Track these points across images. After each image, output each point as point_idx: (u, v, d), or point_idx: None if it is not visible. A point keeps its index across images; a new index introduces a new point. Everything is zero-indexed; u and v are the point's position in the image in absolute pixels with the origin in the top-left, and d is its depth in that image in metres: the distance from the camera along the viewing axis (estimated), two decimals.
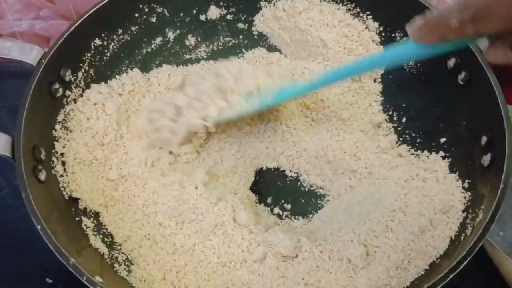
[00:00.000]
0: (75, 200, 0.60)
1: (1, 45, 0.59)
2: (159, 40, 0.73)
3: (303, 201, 0.66)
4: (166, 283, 0.56)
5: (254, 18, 0.75)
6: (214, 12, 0.74)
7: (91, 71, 0.67)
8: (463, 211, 0.56)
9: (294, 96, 0.64)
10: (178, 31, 0.74)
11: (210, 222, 0.59)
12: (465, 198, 0.57)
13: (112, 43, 0.69)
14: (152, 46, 0.73)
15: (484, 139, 0.58)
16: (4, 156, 0.53)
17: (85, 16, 0.63)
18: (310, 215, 0.65)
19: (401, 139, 0.68)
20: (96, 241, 0.58)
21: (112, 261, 0.58)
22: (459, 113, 0.63)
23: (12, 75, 0.83)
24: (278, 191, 0.67)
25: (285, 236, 0.58)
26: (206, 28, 0.75)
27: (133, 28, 0.70)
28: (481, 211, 0.53)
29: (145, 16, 0.71)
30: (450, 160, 0.62)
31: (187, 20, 0.74)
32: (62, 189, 0.59)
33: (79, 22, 0.63)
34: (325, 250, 0.57)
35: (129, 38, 0.70)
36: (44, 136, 0.59)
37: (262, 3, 0.74)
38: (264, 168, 0.69)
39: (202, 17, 0.74)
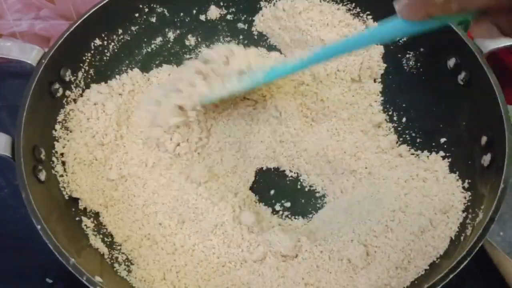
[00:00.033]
0: (75, 200, 0.60)
1: (1, 45, 0.59)
2: (159, 40, 0.73)
3: (303, 201, 0.66)
4: (166, 283, 0.56)
5: (254, 18, 0.75)
6: (214, 12, 0.74)
7: (91, 71, 0.67)
8: (463, 211, 0.56)
9: (285, 74, 0.63)
10: (178, 31, 0.74)
11: (210, 222, 0.59)
12: (465, 198, 0.57)
13: (112, 43, 0.69)
14: (152, 46, 0.73)
15: (484, 139, 0.58)
16: (4, 156, 0.53)
17: (85, 16, 0.63)
18: (310, 215, 0.65)
19: (401, 139, 0.68)
20: (96, 241, 0.58)
21: (112, 261, 0.58)
22: (459, 113, 0.63)
23: (12, 75, 0.83)
24: (278, 191, 0.67)
25: (285, 236, 0.58)
26: (206, 28, 0.75)
27: (133, 28, 0.70)
28: (481, 211, 0.53)
29: (145, 16, 0.71)
30: (450, 160, 0.62)
31: (187, 20, 0.74)
32: (62, 189, 0.59)
33: (79, 22, 0.63)
34: (325, 250, 0.57)
35: (129, 38, 0.70)
36: (44, 136, 0.59)
37: (262, 3, 0.74)
38: (264, 168, 0.69)
39: (202, 17, 0.74)
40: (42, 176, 0.56)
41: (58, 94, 0.62)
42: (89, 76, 0.67)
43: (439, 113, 0.66)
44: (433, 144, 0.65)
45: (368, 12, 0.70)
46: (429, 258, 0.54)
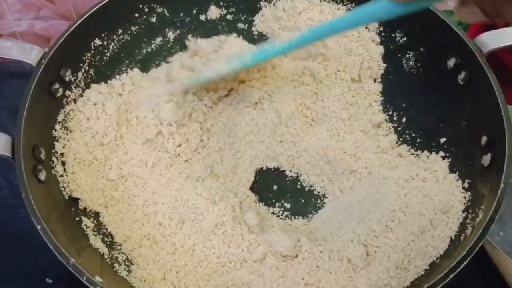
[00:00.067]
0: (75, 200, 0.60)
1: (1, 45, 0.59)
2: (159, 40, 0.73)
3: (303, 201, 0.66)
4: (166, 283, 0.56)
5: (254, 18, 0.75)
6: (214, 12, 0.74)
7: (91, 71, 0.67)
8: (463, 211, 0.56)
9: (273, 56, 0.63)
10: (178, 31, 0.74)
11: (210, 222, 0.59)
12: (465, 198, 0.57)
13: (112, 43, 0.69)
14: (152, 46, 0.73)
15: (484, 139, 0.58)
16: (4, 156, 0.53)
17: (85, 16, 0.63)
18: (310, 215, 0.65)
19: (401, 139, 0.68)
20: (96, 241, 0.58)
21: (112, 261, 0.58)
22: (459, 113, 0.63)
23: (12, 75, 0.82)
24: (278, 191, 0.67)
25: (285, 236, 0.58)
26: (206, 28, 0.75)
27: (133, 28, 0.70)
28: (481, 211, 0.53)
29: (145, 16, 0.71)
30: (450, 160, 0.62)
31: (187, 20, 0.74)
32: (62, 189, 0.59)
33: (79, 22, 0.63)
34: (325, 250, 0.57)
35: (129, 38, 0.70)
36: (44, 136, 0.59)
37: (262, 3, 0.74)
38: (264, 168, 0.69)
39: (202, 17, 0.74)
40: (42, 176, 0.56)
41: (58, 94, 0.62)
42: (89, 76, 0.67)
43: (439, 113, 0.66)
44: (433, 144, 0.65)
45: (372, 23, 0.70)
46: (429, 258, 0.54)
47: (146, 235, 0.60)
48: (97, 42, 0.67)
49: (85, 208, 0.60)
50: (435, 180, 0.60)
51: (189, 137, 0.66)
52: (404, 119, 0.69)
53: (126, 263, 0.58)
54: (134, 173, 0.63)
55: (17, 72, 0.81)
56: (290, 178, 0.68)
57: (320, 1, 0.71)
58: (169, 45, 0.74)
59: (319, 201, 0.66)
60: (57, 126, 0.61)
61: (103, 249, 0.58)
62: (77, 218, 0.59)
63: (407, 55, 0.70)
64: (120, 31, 0.69)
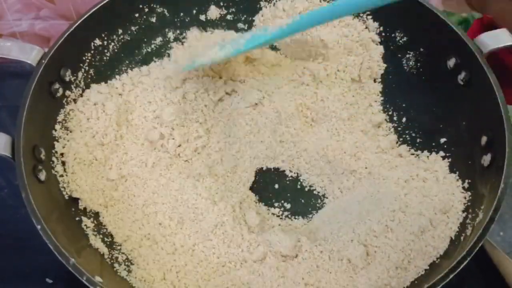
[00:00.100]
0: (75, 200, 0.60)
1: (1, 45, 0.59)
2: (159, 40, 0.73)
3: (303, 201, 0.66)
4: (166, 283, 0.56)
5: (254, 18, 0.75)
6: (214, 12, 0.74)
7: (91, 71, 0.67)
8: (463, 211, 0.56)
9: (266, 42, 0.63)
10: (178, 31, 0.74)
11: (210, 222, 0.60)
12: (465, 198, 0.57)
13: (112, 43, 0.69)
14: (152, 46, 0.73)
15: (484, 139, 0.58)
16: (4, 156, 0.53)
17: (85, 16, 0.63)
18: (310, 215, 0.65)
19: (401, 139, 0.68)
20: (96, 241, 0.58)
21: (112, 261, 0.58)
22: (459, 113, 0.63)
23: (12, 75, 0.82)
24: (278, 191, 0.67)
25: (285, 236, 0.58)
26: (206, 28, 0.75)
27: (133, 28, 0.70)
28: (481, 211, 0.53)
29: (145, 16, 0.71)
30: (450, 160, 0.62)
31: (187, 20, 0.74)
32: (62, 189, 0.59)
33: (79, 22, 0.63)
34: (325, 250, 0.57)
35: (129, 38, 0.70)
36: (44, 136, 0.59)
37: (262, 3, 0.74)
38: (264, 168, 0.69)
39: (202, 17, 0.74)
40: (42, 176, 0.55)
41: (58, 94, 0.62)
42: (89, 76, 0.67)
43: (439, 113, 0.66)
44: (433, 144, 0.65)
45: (368, 12, 0.70)
46: (429, 258, 0.54)
47: (146, 235, 0.60)
48: (97, 42, 0.67)
49: (85, 208, 0.60)
50: (435, 180, 0.60)
51: (189, 137, 0.66)
52: (404, 119, 0.69)
53: (126, 263, 0.58)
54: (134, 173, 0.63)
55: (17, 72, 0.81)
56: (290, 178, 0.68)
57: (320, 1, 0.71)
58: (169, 45, 0.74)
59: (319, 201, 0.66)
60: (57, 126, 0.61)
61: (103, 249, 0.58)
62: (77, 218, 0.59)
63: (407, 55, 0.70)
64: (120, 31, 0.69)
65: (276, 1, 0.73)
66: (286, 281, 0.56)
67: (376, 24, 0.70)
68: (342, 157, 0.65)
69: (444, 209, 0.57)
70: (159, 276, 0.57)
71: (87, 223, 0.59)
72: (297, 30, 0.60)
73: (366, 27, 0.71)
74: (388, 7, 0.65)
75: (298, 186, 0.67)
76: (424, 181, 0.60)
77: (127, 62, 0.71)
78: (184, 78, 0.68)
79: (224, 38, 0.66)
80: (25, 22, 0.83)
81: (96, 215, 0.61)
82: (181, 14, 0.73)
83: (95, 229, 0.60)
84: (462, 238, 0.54)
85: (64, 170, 0.60)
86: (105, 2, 0.64)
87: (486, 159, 0.56)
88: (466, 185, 0.58)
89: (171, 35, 0.74)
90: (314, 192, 0.67)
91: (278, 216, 0.65)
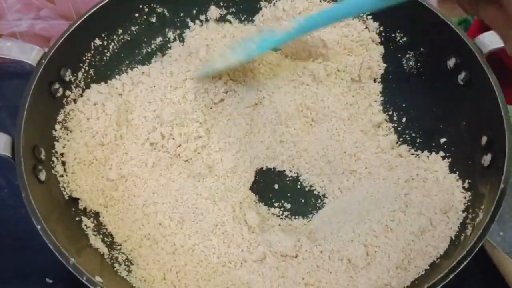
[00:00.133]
0: (75, 200, 0.60)
1: (1, 45, 0.59)
2: (159, 40, 0.73)
3: (303, 201, 0.66)
4: (166, 283, 0.56)
5: (254, 18, 0.75)
6: (214, 12, 0.74)
7: (91, 71, 0.67)
8: (463, 211, 0.56)
9: (275, 45, 0.66)
10: (178, 31, 0.74)
11: (210, 222, 0.60)
12: (465, 198, 0.57)
13: (112, 43, 0.69)
14: (152, 46, 0.73)
15: (484, 139, 0.58)
16: (4, 156, 0.53)
17: (85, 16, 0.63)
18: (310, 215, 0.65)
19: (401, 139, 0.68)
20: (96, 241, 0.58)
21: (112, 261, 0.58)
22: (459, 113, 0.63)
23: (12, 75, 0.82)
24: (278, 191, 0.67)
25: (285, 236, 0.58)
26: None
27: (133, 28, 0.70)
28: (481, 211, 0.53)
29: (145, 16, 0.71)
30: (450, 160, 0.62)
31: (187, 20, 0.74)
32: (62, 189, 0.59)
33: (79, 22, 0.63)
34: (325, 250, 0.57)
35: (129, 38, 0.70)
36: (44, 136, 0.59)
37: (262, 3, 0.74)
38: (264, 168, 0.69)
39: (202, 17, 0.74)
40: (42, 176, 0.55)
41: (58, 94, 0.62)
42: (89, 76, 0.67)
43: (439, 113, 0.66)
44: (433, 144, 0.65)
45: (368, 12, 0.70)
46: (429, 258, 0.54)
47: (146, 235, 0.60)
48: (97, 42, 0.67)
49: (85, 208, 0.60)
50: (435, 180, 0.60)
51: (189, 137, 0.66)
52: (404, 119, 0.69)
53: (126, 263, 0.58)
54: (134, 173, 0.63)
55: (17, 72, 0.81)
56: (290, 178, 0.68)
57: (320, 1, 0.71)
58: (169, 45, 0.74)
59: (319, 201, 0.66)
60: (57, 126, 0.61)
61: (103, 249, 0.58)
62: (77, 218, 0.59)
63: (407, 55, 0.70)
64: (120, 31, 0.69)
65: (276, 1, 0.73)
66: (286, 281, 0.56)
67: (376, 24, 0.70)
68: (342, 157, 0.65)
69: (444, 209, 0.57)
70: (159, 276, 0.57)
71: (87, 223, 0.59)
72: (304, 32, 0.62)
73: (366, 27, 0.71)
74: (387, 7, 0.66)
75: (298, 186, 0.67)
76: (424, 181, 0.60)
77: (127, 62, 0.71)
78: (185, 78, 0.68)
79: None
80: (25, 22, 0.83)
81: (96, 215, 0.61)
82: (181, 14, 0.73)
83: (95, 229, 0.60)
84: (462, 238, 0.54)
85: (64, 170, 0.60)
86: (105, 2, 0.64)
87: (486, 159, 0.56)
88: (466, 185, 0.58)
89: (171, 35, 0.74)
90: (314, 192, 0.67)
91: (278, 216, 0.65)
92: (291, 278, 0.56)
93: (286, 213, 0.65)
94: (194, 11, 0.74)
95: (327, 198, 0.66)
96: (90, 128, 0.63)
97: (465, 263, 0.47)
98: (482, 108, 0.59)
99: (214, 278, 0.57)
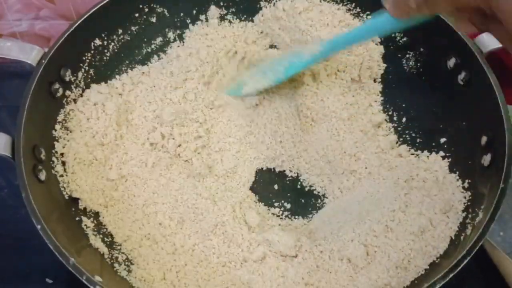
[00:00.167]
0: (75, 200, 0.60)
1: (1, 45, 0.59)
2: (159, 40, 0.73)
3: (303, 201, 0.66)
4: (166, 283, 0.56)
5: (254, 18, 0.75)
6: (214, 12, 0.74)
7: (91, 71, 0.67)
8: (463, 211, 0.56)
9: (302, 68, 0.67)
10: (178, 31, 0.74)
11: (210, 222, 0.60)
12: (465, 198, 0.57)
13: (112, 43, 0.69)
14: (152, 46, 0.73)
15: (484, 139, 0.58)
16: (4, 156, 0.53)
17: (85, 16, 0.63)
18: (310, 215, 0.65)
19: (401, 139, 0.68)
20: (96, 241, 0.58)
21: (112, 261, 0.58)
22: (459, 113, 0.63)
23: (12, 75, 0.82)
24: (278, 191, 0.67)
25: (285, 236, 0.58)
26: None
27: (133, 28, 0.70)
28: (481, 210, 0.53)
29: (145, 16, 0.71)
30: (450, 160, 0.62)
31: (187, 20, 0.74)
32: (62, 189, 0.59)
33: (79, 22, 0.63)
34: (325, 250, 0.57)
35: (129, 38, 0.70)
36: (44, 136, 0.59)
37: (262, 3, 0.74)
38: (264, 168, 0.69)
39: (202, 17, 0.74)
40: (42, 176, 0.55)
41: (58, 94, 0.62)
42: (89, 76, 0.67)
43: (439, 113, 0.66)
44: (433, 144, 0.65)
45: (368, 12, 0.70)
46: (429, 258, 0.54)
47: (146, 235, 0.60)
48: (97, 42, 0.67)
49: (85, 208, 0.60)
50: (435, 180, 0.60)
51: (189, 137, 0.66)
52: (404, 119, 0.69)
53: (126, 263, 0.58)
54: (134, 173, 0.63)
55: (17, 72, 0.81)
56: (290, 178, 0.68)
57: (320, 1, 0.71)
58: (169, 45, 0.74)
59: (319, 201, 0.66)
60: (57, 126, 0.61)
61: (103, 249, 0.58)
62: (77, 218, 0.59)
63: (407, 55, 0.70)
64: (120, 31, 0.69)
65: (276, 1, 0.73)
66: (286, 281, 0.56)
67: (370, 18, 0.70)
68: (342, 157, 0.65)
69: (444, 209, 0.57)
70: (159, 276, 0.57)
71: (87, 223, 0.59)
72: (329, 54, 0.65)
73: None
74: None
75: (298, 186, 0.67)
76: (424, 181, 0.60)
77: (127, 62, 0.71)
78: (185, 78, 0.68)
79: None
80: (25, 22, 0.83)
81: (96, 215, 0.61)
82: (181, 14, 0.73)
83: (95, 229, 0.60)
84: (462, 237, 0.54)
85: (64, 170, 0.60)
86: (105, 2, 0.64)
87: (486, 159, 0.56)
88: (466, 185, 0.58)
89: (171, 35, 0.74)
90: (314, 192, 0.67)
91: (278, 216, 0.65)
92: (291, 278, 0.56)
93: (286, 213, 0.65)
94: (194, 11, 0.74)
95: (327, 198, 0.66)
96: (90, 128, 0.63)
97: (464, 262, 0.47)
98: (482, 108, 0.59)
99: (214, 278, 0.57)
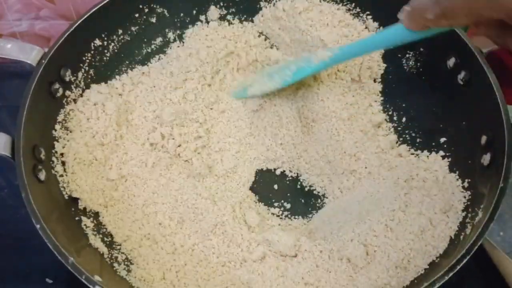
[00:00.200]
0: (75, 200, 0.60)
1: (1, 45, 0.59)
2: (159, 40, 0.73)
3: (303, 201, 0.66)
4: (165, 283, 0.56)
5: (254, 18, 0.75)
6: (214, 12, 0.74)
7: (91, 71, 0.67)
8: (463, 211, 0.56)
9: (310, 74, 0.66)
10: (178, 31, 0.74)
11: (210, 222, 0.60)
12: (465, 197, 0.57)
13: (112, 43, 0.69)
14: (152, 46, 0.73)
15: (484, 139, 0.58)
16: (4, 156, 0.53)
17: (85, 16, 0.63)
18: (310, 215, 0.65)
19: (401, 139, 0.68)
20: (95, 241, 0.58)
21: (111, 260, 0.58)
22: (459, 113, 0.63)
23: (12, 75, 0.83)
24: (278, 191, 0.67)
25: (285, 236, 0.58)
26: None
27: (133, 28, 0.70)
28: (481, 210, 0.53)
29: (145, 16, 0.71)
30: (450, 160, 0.62)
31: (187, 20, 0.74)
32: (62, 189, 0.59)
33: (79, 22, 0.63)
34: (325, 250, 0.57)
35: (129, 38, 0.70)
36: (44, 136, 0.59)
37: (262, 3, 0.74)
38: (264, 169, 0.69)
39: (202, 17, 0.74)
40: (42, 176, 0.55)
41: (58, 94, 0.62)
42: (89, 76, 0.67)
43: (439, 113, 0.66)
44: (433, 144, 0.65)
45: (368, 12, 0.70)
46: (429, 257, 0.54)
47: (146, 235, 0.60)
48: (97, 42, 0.67)
49: (85, 208, 0.60)
50: (435, 180, 0.60)
51: (189, 137, 0.66)
52: (404, 119, 0.69)
53: (126, 262, 0.58)
54: (134, 173, 0.63)
55: (17, 72, 0.81)
56: (290, 178, 0.68)
57: (320, 1, 0.71)
58: (169, 46, 0.74)
59: (319, 201, 0.66)
60: (57, 126, 0.61)
61: (103, 248, 0.58)
62: (77, 218, 0.59)
63: (407, 55, 0.70)
64: (120, 31, 0.69)
65: (276, 1, 0.73)
66: (286, 280, 0.56)
67: (376, 24, 0.70)
68: (342, 157, 0.65)
69: (444, 209, 0.57)
70: (159, 275, 0.57)
71: (87, 223, 0.59)
72: (338, 61, 0.64)
73: (366, 27, 0.71)
74: (387, 7, 0.66)
75: (298, 186, 0.67)
76: (424, 181, 0.60)
77: (127, 62, 0.71)
78: (185, 78, 0.68)
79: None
80: (25, 22, 0.83)
81: (96, 215, 0.61)
82: (181, 14, 0.73)
83: (95, 229, 0.60)
84: (461, 237, 0.54)
85: (64, 170, 0.60)
86: (105, 2, 0.64)
87: (486, 159, 0.56)
88: (466, 184, 0.58)
89: (171, 35, 0.74)
90: (314, 192, 0.67)
91: (278, 216, 0.65)
92: (291, 277, 0.56)
93: (286, 213, 0.65)
94: (194, 11, 0.74)
95: (327, 198, 0.66)
96: (90, 128, 0.63)
97: (464, 261, 0.47)
98: (482, 108, 0.59)
99: (214, 278, 0.57)
